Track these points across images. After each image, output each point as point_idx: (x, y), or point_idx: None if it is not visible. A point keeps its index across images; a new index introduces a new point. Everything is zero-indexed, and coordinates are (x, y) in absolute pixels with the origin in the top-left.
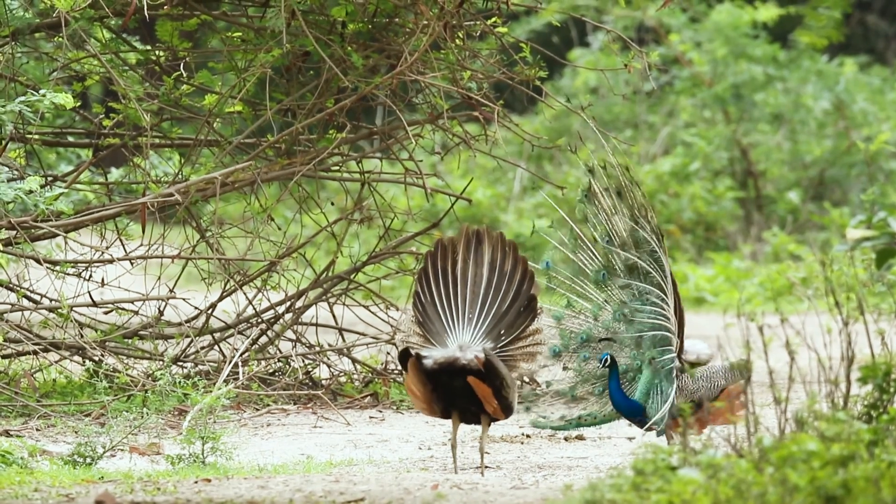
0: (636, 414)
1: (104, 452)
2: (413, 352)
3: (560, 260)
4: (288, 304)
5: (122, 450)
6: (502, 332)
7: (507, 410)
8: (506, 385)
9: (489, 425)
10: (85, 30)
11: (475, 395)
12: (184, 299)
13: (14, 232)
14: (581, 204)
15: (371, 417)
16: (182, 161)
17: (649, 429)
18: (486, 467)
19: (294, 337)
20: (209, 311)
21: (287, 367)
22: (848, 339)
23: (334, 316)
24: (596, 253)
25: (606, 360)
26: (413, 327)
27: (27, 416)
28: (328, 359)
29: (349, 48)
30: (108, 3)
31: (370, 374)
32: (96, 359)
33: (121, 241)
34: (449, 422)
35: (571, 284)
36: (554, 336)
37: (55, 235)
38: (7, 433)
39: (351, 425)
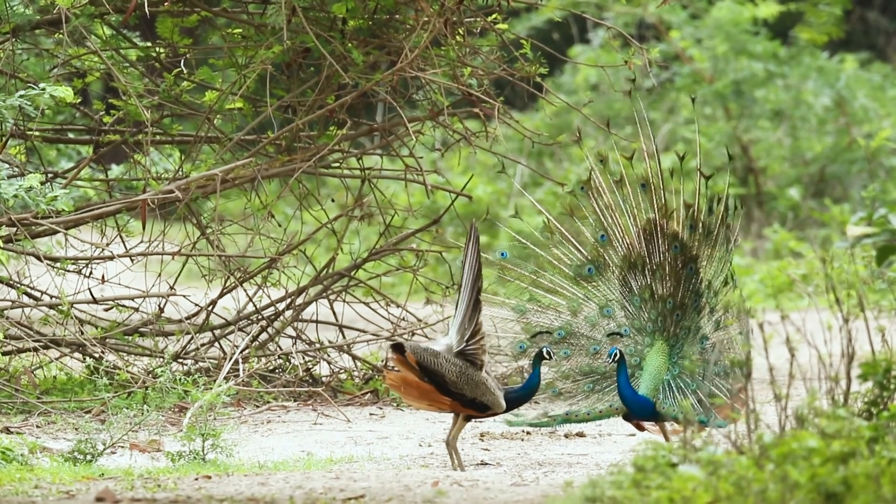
0: (646, 410)
1: (104, 449)
2: (409, 347)
3: (519, 255)
4: (288, 300)
5: (122, 447)
6: (466, 325)
7: (472, 405)
8: (450, 381)
9: (462, 422)
10: (85, 26)
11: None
12: (184, 296)
13: (14, 228)
14: (572, 197)
15: (371, 414)
16: (182, 158)
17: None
18: (485, 464)
19: (294, 334)
20: (209, 308)
21: (287, 363)
22: (848, 335)
23: (334, 313)
24: (582, 247)
25: (616, 354)
26: None
27: (27, 412)
28: (328, 356)
29: (350, 45)
30: None
31: (370, 371)
32: (97, 356)
33: (121, 237)
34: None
35: (536, 278)
36: (509, 331)
37: (55, 232)
38: (7, 430)
39: (351, 422)
